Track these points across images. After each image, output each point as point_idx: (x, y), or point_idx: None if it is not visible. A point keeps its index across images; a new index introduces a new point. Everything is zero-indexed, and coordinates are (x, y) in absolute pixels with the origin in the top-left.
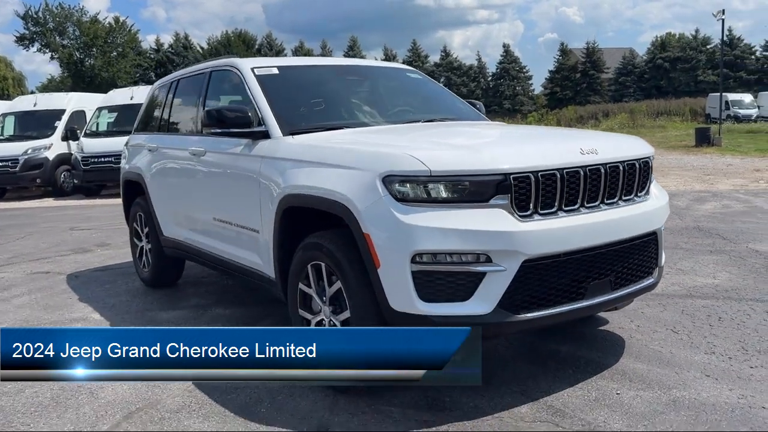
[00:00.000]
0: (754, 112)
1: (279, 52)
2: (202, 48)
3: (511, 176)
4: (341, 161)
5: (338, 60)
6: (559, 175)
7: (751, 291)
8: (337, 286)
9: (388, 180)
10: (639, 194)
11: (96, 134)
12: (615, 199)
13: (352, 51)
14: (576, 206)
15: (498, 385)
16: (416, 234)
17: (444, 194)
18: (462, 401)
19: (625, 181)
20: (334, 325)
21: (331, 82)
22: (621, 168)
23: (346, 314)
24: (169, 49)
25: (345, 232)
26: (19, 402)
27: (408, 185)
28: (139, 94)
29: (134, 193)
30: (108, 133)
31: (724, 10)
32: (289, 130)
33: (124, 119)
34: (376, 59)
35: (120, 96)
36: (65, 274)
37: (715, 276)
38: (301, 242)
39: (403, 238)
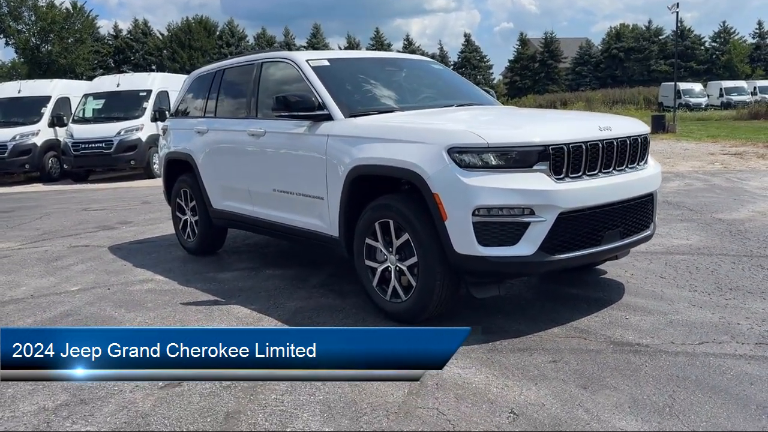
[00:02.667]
0: (703, 100)
1: (241, 39)
2: (162, 34)
3: (550, 147)
4: (409, 137)
5: (375, 53)
6: (584, 147)
7: (719, 248)
8: (404, 238)
9: (452, 151)
10: (640, 163)
11: (85, 120)
12: (623, 167)
13: (315, 38)
14: (595, 171)
15: (531, 316)
16: (476, 192)
17: (498, 161)
18: (505, 326)
19: (631, 152)
20: (401, 270)
21: (374, 72)
22: (628, 142)
23: (413, 260)
24: (128, 36)
25: (412, 194)
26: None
27: (469, 155)
28: (125, 82)
29: (177, 172)
30: (96, 120)
31: (678, 3)
32: (349, 113)
33: (112, 106)
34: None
35: (107, 83)
36: (105, 246)
37: (687, 238)
38: (368, 205)
39: (466, 196)
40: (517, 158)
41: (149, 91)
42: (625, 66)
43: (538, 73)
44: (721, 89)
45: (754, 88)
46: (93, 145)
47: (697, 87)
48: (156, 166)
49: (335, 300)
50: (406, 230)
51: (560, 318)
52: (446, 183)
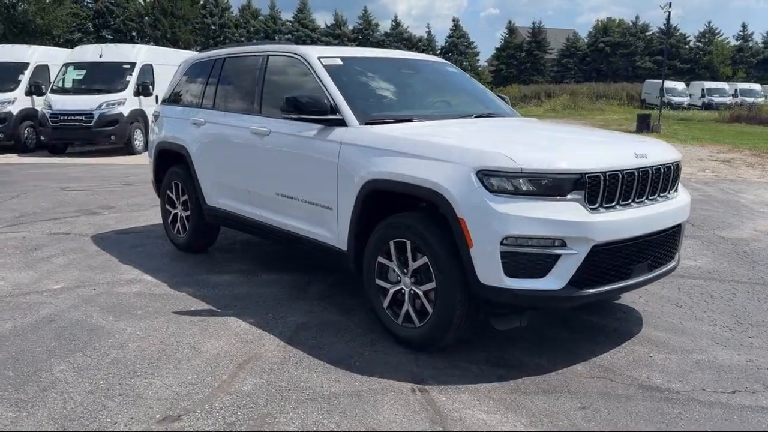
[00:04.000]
0: (685, 99)
1: (225, 10)
2: (144, 1)
3: (587, 175)
4: (433, 154)
5: (390, 52)
6: (620, 176)
7: (729, 273)
8: (421, 261)
9: (481, 173)
10: (671, 192)
11: (64, 91)
12: (655, 196)
13: (302, 14)
14: (629, 201)
15: (548, 348)
16: (507, 221)
17: (530, 188)
18: (524, 360)
19: (664, 181)
20: (416, 294)
21: (389, 74)
22: (662, 170)
23: (431, 285)
24: (109, 0)
25: (433, 215)
26: (129, 354)
27: (499, 179)
28: (108, 53)
29: (169, 163)
30: (77, 91)
31: (671, 3)
32: (365, 119)
33: (94, 77)
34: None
35: (89, 53)
36: (87, 235)
37: (695, 258)
38: (383, 221)
39: (495, 224)
40: (550, 185)
41: (133, 64)
42: (610, 60)
43: (524, 62)
44: (703, 90)
45: (735, 90)
46: (72, 118)
47: (680, 86)
48: (137, 143)
49: (339, 316)
50: (424, 253)
51: (580, 351)
52: (474, 208)
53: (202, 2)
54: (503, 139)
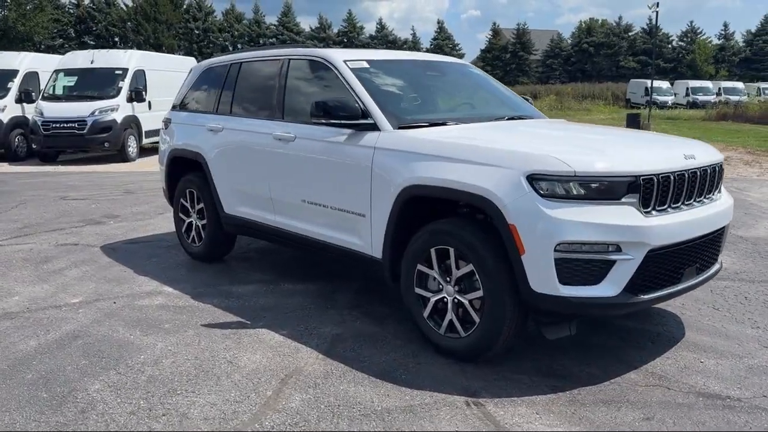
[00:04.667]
0: (670, 98)
1: (209, 14)
2: (126, 5)
3: (641, 178)
4: (479, 158)
5: (411, 54)
6: (672, 177)
7: (757, 274)
8: (467, 269)
9: (532, 178)
10: (715, 194)
11: (56, 98)
12: (702, 198)
13: (286, 17)
14: (679, 204)
15: (597, 355)
16: (561, 226)
17: (583, 192)
18: (573, 369)
19: (710, 182)
20: (459, 302)
21: (415, 76)
22: (708, 171)
23: (477, 294)
24: (91, 5)
25: (479, 221)
26: (165, 371)
27: (551, 183)
28: (99, 59)
29: (182, 170)
30: (69, 98)
31: (658, 3)
32: (397, 123)
33: (85, 83)
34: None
35: (80, 59)
36: (96, 246)
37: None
38: (423, 228)
39: (549, 230)
40: (604, 189)
41: (125, 70)
42: (594, 61)
43: (509, 63)
44: (687, 88)
45: (719, 88)
46: (65, 125)
47: (665, 84)
48: (131, 150)
49: (373, 326)
50: (470, 261)
51: (628, 358)
52: (525, 213)
53: (185, 7)
54: (550, 142)
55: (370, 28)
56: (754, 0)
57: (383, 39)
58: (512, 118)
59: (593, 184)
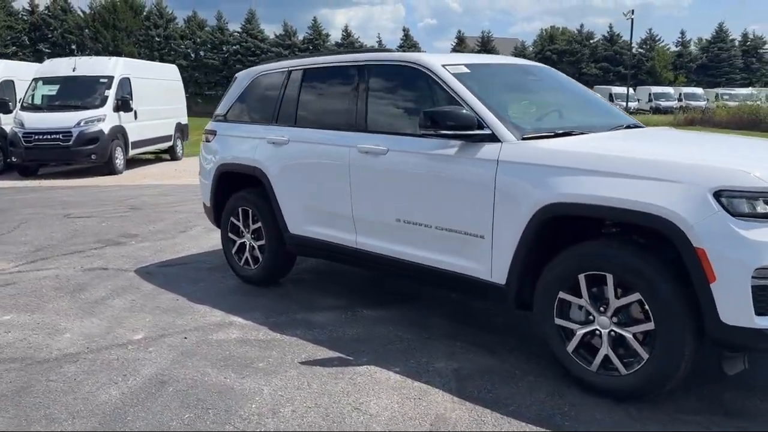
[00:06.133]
0: (633, 104)
1: (170, 21)
2: (84, 12)
3: None
4: (651, 173)
5: (502, 58)
6: None
7: None
8: (631, 298)
9: (721, 194)
10: None
11: (36, 108)
12: None
13: (250, 24)
14: None
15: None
16: (760, 250)
17: None
18: (759, 407)
19: None
20: (620, 336)
21: (516, 81)
22: None
23: (646, 326)
24: (46, 12)
25: (638, 242)
26: (292, 424)
27: (744, 201)
28: (82, 66)
29: (232, 187)
30: (51, 108)
31: (633, 11)
32: (521, 134)
33: (68, 92)
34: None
35: (62, 67)
36: (129, 270)
37: None
38: (566, 251)
39: (746, 254)
40: None
41: (111, 78)
42: (558, 68)
43: None
44: (650, 94)
45: (680, 94)
46: (49, 137)
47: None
48: (118, 162)
49: (489, 358)
50: (636, 289)
51: None
52: (717, 236)
53: (145, 14)
54: (727, 154)
55: (335, 35)
56: (708, 7)
57: (350, 46)
58: (629, 127)
59: None
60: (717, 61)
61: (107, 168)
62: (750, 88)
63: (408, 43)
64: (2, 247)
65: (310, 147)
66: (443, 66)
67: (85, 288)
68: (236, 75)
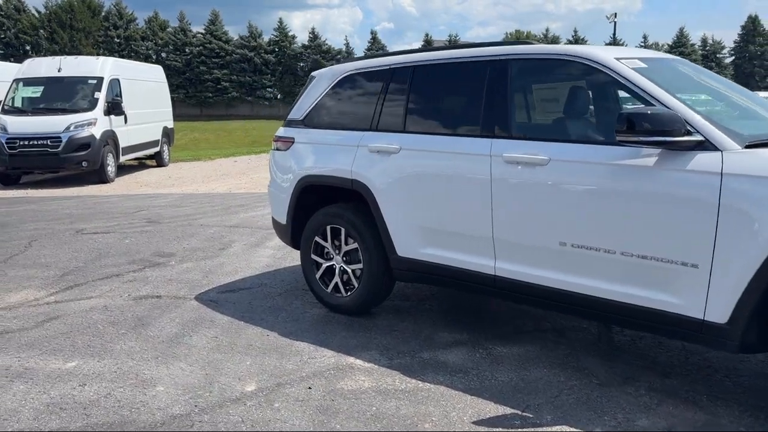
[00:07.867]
0: None
1: (130, 21)
2: (39, 12)
3: None
4: None
5: (653, 52)
6: None
7: None
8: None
9: None
10: None
11: (20, 111)
12: None
13: (214, 26)
14: None
15: None
16: None
17: None
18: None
19: None
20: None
21: (688, 77)
22: None
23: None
24: None
25: None
26: None
27: None
28: (68, 66)
29: (316, 202)
30: (36, 111)
31: (616, 14)
32: (742, 141)
33: (53, 95)
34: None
35: (44, 67)
36: (188, 298)
37: None
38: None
39: None
40: None
41: (100, 79)
42: None
43: None
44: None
45: None
46: (35, 143)
47: None
48: (110, 169)
49: (696, 411)
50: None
51: None
52: None
53: (104, 14)
54: None
55: (303, 38)
56: (670, 13)
57: (317, 49)
58: None
59: None
60: None
61: (98, 176)
62: None
63: (376, 46)
64: (23, 270)
65: (432, 156)
66: (617, 59)
67: (147, 322)
68: (313, 74)
